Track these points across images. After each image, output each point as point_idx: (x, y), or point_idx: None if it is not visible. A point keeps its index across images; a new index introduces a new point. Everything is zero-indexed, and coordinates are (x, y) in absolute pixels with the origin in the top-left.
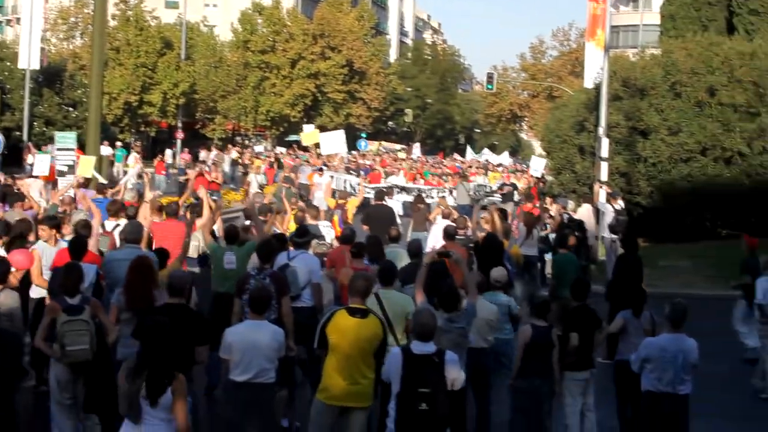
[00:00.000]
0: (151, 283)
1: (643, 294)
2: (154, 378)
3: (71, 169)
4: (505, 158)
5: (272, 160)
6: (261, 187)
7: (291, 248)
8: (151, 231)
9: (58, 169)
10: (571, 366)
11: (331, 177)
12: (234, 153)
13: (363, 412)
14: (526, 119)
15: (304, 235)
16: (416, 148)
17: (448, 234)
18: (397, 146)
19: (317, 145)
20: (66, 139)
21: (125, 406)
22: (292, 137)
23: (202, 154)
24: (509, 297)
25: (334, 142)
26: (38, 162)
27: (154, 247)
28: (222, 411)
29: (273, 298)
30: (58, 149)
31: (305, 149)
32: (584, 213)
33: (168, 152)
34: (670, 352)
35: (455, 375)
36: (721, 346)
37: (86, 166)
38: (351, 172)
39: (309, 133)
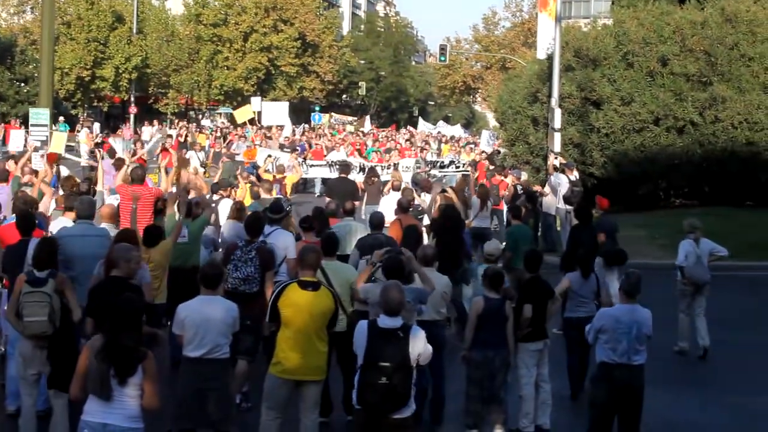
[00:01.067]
0: None
1: (590, 257)
2: (126, 357)
3: (44, 144)
4: (458, 130)
5: (218, 135)
6: (203, 164)
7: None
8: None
9: (33, 144)
10: (525, 337)
11: (269, 156)
12: (175, 129)
13: (317, 384)
14: (480, 91)
15: (280, 211)
16: (367, 120)
17: (402, 206)
18: (348, 118)
19: (252, 122)
20: (39, 115)
21: (96, 386)
22: (222, 110)
23: (145, 130)
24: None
25: (276, 113)
26: (13, 138)
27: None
28: (178, 386)
29: (224, 273)
30: (32, 125)
31: (252, 123)
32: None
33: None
34: (624, 323)
35: (420, 349)
36: (673, 315)
37: (59, 142)
38: (285, 149)
39: (242, 110)
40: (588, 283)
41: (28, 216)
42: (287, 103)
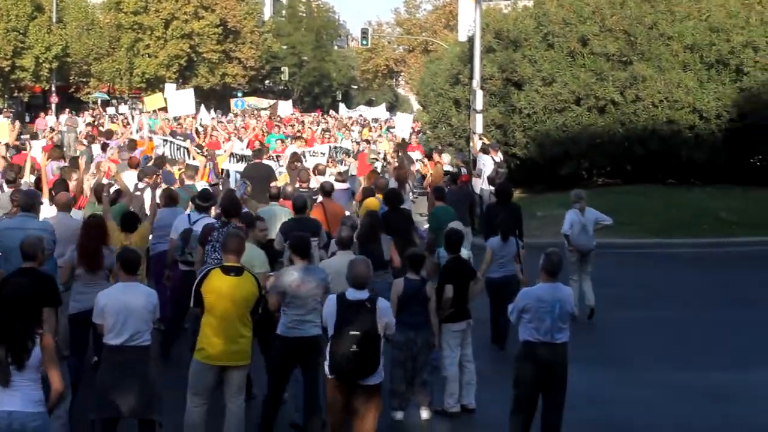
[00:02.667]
0: (101, 242)
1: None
2: (18, 342)
3: None
4: (381, 111)
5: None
6: None
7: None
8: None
9: None
10: (447, 318)
11: (164, 141)
12: (88, 117)
13: (242, 369)
14: (403, 74)
15: (208, 199)
16: (284, 105)
17: (326, 191)
18: (264, 102)
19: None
20: None
21: None
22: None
23: (51, 119)
24: (468, 251)
25: (182, 101)
26: None
27: None
28: (98, 375)
29: (141, 258)
30: None
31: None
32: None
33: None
34: (546, 301)
35: (387, 320)
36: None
37: (2, 131)
38: (178, 137)
39: (152, 97)
40: (508, 246)
41: None
42: (191, 90)
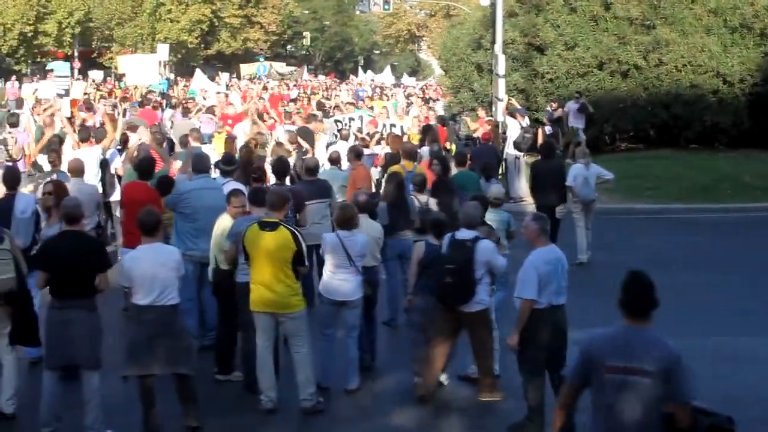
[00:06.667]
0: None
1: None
2: None
3: (67, 92)
4: (387, 77)
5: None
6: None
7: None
8: None
9: (57, 93)
10: None
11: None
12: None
13: (291, 318)
14: (425, 39)
15: (232, 163)
16: (304, 72)
17: (357, 154)
18: (287, 68)
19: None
20: (61, 67)
21: None
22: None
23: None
24: (509, 213)
25: (143, 70)
26: (42, 88)
27: None
28: (127, 335)
29: (162, 220)
30: (56, 76)
31: None
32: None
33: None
34: (551, 263)
35: (488, 257)
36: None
37: (78, 90)
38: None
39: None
40: None
41: (14, 170)
42: (155, 55)
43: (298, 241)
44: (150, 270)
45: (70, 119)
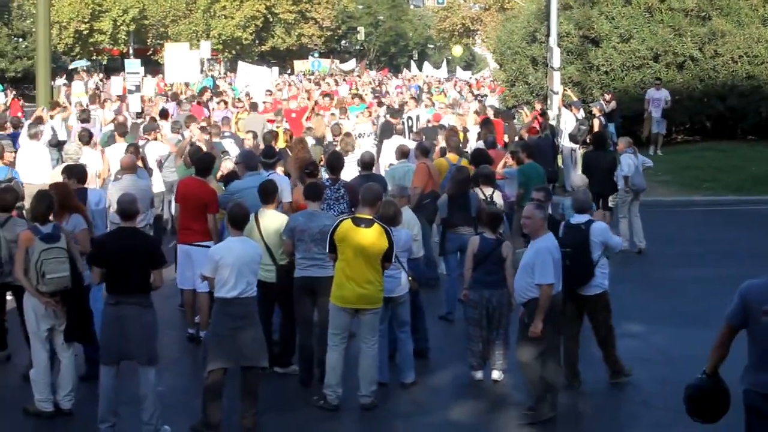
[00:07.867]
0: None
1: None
2: None
3: (138, 89)
4: (436, 71)
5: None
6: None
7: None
8: None
9: (128, 89)
10: None
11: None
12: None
13: (372, 313)
14: (479, 32)
15: (273, 156)
16: (352, 64)
17: (424, 150)
18: (347, 66)
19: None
20: (133, 65)
21: None
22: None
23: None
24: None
25: (183, 67)
26: (112, 84)
27: None
28: (211, 327)
29: (250, 214)
30: (128, 72)
31: None
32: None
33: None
34: (559, 251)
35: (603, 237)
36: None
37: (150, 86)
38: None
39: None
40: None
41: (81, 166)
42: (197, 52)
43: (390, 239)
44: (238, 262)
45: (140, 114)
